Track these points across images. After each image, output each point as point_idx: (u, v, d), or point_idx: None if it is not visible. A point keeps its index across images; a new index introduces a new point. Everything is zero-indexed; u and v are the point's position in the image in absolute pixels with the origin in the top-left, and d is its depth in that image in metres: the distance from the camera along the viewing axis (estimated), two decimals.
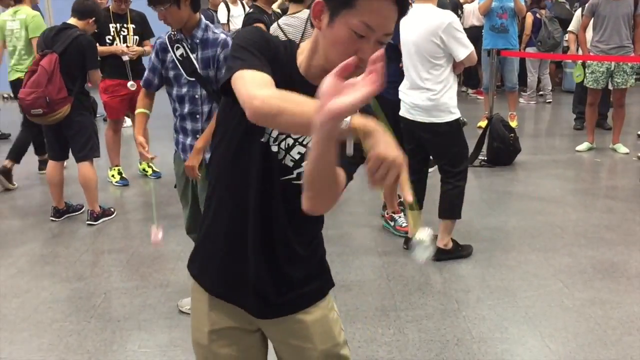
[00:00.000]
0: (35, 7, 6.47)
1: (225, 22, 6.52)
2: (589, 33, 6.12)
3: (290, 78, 1.30)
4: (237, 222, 1.39)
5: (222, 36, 2.74)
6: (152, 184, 5.22)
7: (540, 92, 9.54)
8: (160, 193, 5.08)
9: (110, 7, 5.16)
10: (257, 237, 1.38)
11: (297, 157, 1.34)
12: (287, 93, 1.13)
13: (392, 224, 4.11)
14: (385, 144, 1.06)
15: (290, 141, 1.34)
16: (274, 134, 1.33)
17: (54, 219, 4.47)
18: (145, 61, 5.26)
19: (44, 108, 4.04)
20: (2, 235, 4.26)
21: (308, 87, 1.23)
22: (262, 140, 1.33)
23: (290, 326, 1.48)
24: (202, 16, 2.83)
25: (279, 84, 1.21)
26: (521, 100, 8.84)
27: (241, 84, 1.18)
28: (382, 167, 1.04)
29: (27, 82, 4.07)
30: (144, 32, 5.28)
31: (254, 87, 1.15)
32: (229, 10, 6.74)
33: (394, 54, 3.87)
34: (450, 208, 3.63)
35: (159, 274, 3.55)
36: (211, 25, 2.81)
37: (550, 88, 9.13)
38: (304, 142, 1.33)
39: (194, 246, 1.57)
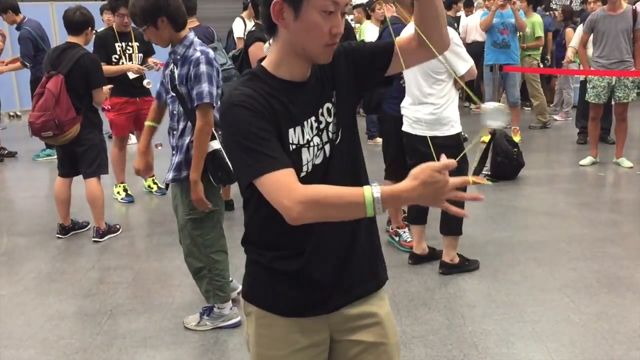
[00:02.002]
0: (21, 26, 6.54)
1: (242, 36, 6.58)
2: (589, 49, 6.16)
3: (287, 91, 1.37)
4: (315, 229, 1.37)
5: (197, 54, 2.75)
6: None
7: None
8: (165, 210, 5.10)
9: (114, 26, 5.21)
10: (339, 230, 1.42)
11: (334, 128, 1.44)
12: (317, 192, 1.25)
13: (396, 239, 4.12)
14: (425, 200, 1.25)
15: (331, 127, 1.43)
16: (316, 152, 1.41)
17: (60, 236, 4.49)
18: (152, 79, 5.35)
19: (54, 130, 4.08)
20: (8, 252, 4.28)
21: (301, 87, 1.38)
22: (303, 174, 1.39)
23: (367, 322, 1.51)
24: (191, 34, 2.84)
25: (283, 108, 1.34)
26: (557, 117, 8.75)
27: (268, 191, 1.27)
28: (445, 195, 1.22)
29: (35, 105, 4.11)
30: (147, 49, 5.33)
31: (282, 195, 1.24)
32: (245, 25, 6.81)
33: None
34: (450, 225, 3.64)
35: (165, 291, 3.56)
36: (197, 42, 2.82)
37: (572, 105, 8.91)
38: (333, 112, 1.43)
39: (251, 276, 1.53)
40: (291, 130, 1.37)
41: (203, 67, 2.71)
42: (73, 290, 3.60)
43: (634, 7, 6.03)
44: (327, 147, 1.42)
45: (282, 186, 1.24)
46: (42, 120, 4.05)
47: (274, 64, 1.39)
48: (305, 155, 1.39)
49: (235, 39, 6.76)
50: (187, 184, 2.83)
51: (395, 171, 4.02)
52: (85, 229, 4.61)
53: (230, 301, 3.08)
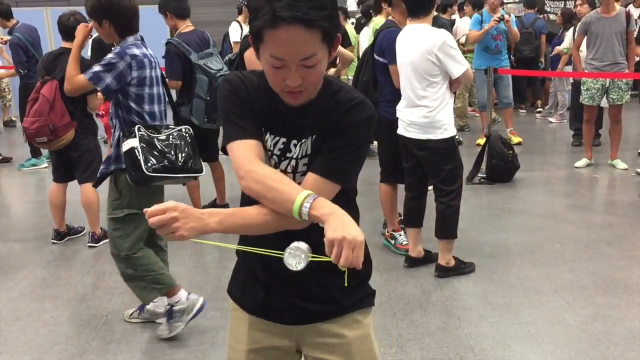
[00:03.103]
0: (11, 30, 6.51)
1: (238, 40, 6.60)
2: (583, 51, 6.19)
3: (271, 101, 1.38)
4: (272, 239, 1.39)
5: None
6: None
7: (539, 109, 9.57)
8: None
9: None
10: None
11: (304, 169, 1.40)
12: (267, 175, 1.29)
13: (392, 242, 4.12)
14: (334, 228, 1.19)
15: (293, 162, 1.40)
16: (271, 163, 1.41)
17: (55, 241, 4.47)
18: None
19: (48, 136, 4.08)
20: (3, 258, 4.26)
21: (284, 107, 1.36)
22: None
23: (331, 341, 1.48)
24: (131, 38, 2.90)
25: (262, 108, 1.37)
26: (552, 120, 8.80)
27: (233, 158, 1.36)
28: (336, 249, 1.18)
29: (29, 111, 4.11)
30: None
31: (240, 164, 1.33)
32: (242, 29, 6.83)
33: (389, 73, 3.91)
34: (446, 228, 3.64)
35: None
36: (129, 44, 2.87)
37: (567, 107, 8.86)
38: (306, 154, 1.39)
39: (234, 269, 1.59)
40: (262, 129, 1.40)
41: (110, 55, 2.82)
42: (68, 296, 3.59)
43: (627, 10, 6.07)
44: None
45: (243, 156, 1.33)
46: (36, 126, 4.04)
47: None
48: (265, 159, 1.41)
49: (232, 43, 6.77)
50: (114, 183, 2.92)
51: (391, 174, 4.03)
52: (81, 234, 4.59)
53: (182, 290, 3.02)
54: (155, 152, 2.79)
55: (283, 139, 1.39)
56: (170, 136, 2.89)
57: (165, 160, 2.80)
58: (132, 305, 3.36)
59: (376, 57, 3.98)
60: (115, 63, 2.78)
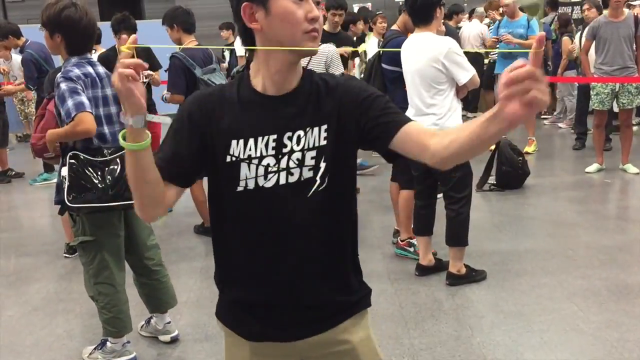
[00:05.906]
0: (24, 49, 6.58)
1: (243, 54, 6.64)
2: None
3: (249, 102, 1.35)
4: (268, 258, 1.39)
5: (57, 76, 2.79)
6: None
7: (545, 115, 9.52)
8: (171, 227, 5.11)
9: (116, 45, 5.22)
10: (290, 265, 1.39)
11: (312, 162, 1.34)
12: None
13: (411, 249, 4.08)
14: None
15: (298, 155, 1.33)
16: (260, 171, 1.33)
17: (67, 255, 4.50)
18: (155, 96, 5.35)
19: (56, 152, 4.10)
20: (15, 272, 4.30)
21: (269, 100, 1.34)
22: (239, 189, 1.34)
23: (337, 349, 1.46)
24: (75, 58, 2.78)
25: (237, 117, 1.34)
26: (562, 125, 8.76)
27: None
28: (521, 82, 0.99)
29: (36, 127, 4.14)
30: (151, 65, 5.33)
31: None
32: None
33: (399, 81, 3.92)
34: (456, 236, 3.62)
35: (172, 308, 3.55)
36: (70, 63, 2.77)
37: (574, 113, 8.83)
38: (313, 146, 1.34)
39: (219, 296, 1.56)
40: (234, 142, 1.33)
41: (63, 86, 2.68)
42: (81, 310, 3.61)
43: (635, 14, 6.05)
44: (282, 175, 1.33)
45: None
46: (43, 142, 4.06)
47: (253, 72, 1.37)
48: (244, 171, 1.33)
49: (237, 57, 6.84)
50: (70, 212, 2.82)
51: (411, 180, 3.96)
52: None
53: (125, 337, 2.94)
54: (82, 182, 2.67)
55: (273, 136, 1.33)
56: (113, 161, 2.74)
57: (90, 191, 2.66)
58: (144, 317, 3.37)
59: (384, 66, 3.99)
60: (73, 88, 2.68)
